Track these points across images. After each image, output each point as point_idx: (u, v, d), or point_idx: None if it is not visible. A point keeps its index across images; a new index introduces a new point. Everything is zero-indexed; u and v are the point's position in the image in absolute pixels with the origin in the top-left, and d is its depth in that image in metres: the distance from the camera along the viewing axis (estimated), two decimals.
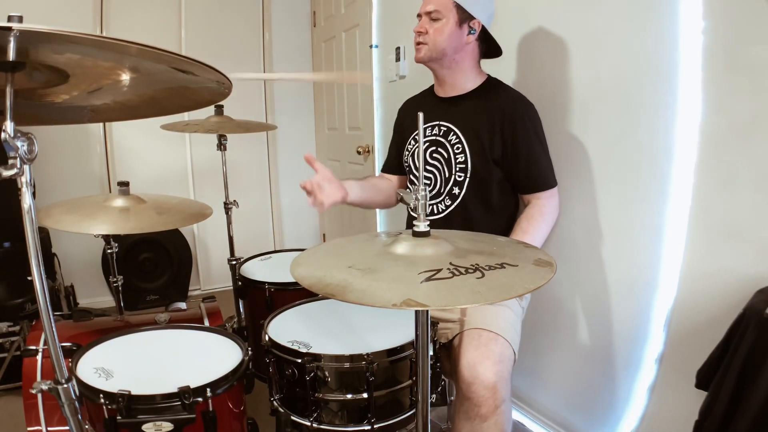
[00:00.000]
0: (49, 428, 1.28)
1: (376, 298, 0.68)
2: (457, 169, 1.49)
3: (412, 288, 0.69)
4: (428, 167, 1.55)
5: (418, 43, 1.49)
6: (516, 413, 1.86)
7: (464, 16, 1.44)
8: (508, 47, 1.54)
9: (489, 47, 1.54)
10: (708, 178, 1.23)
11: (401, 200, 0.90)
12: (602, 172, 1.50)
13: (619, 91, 1.42)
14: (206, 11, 3.20)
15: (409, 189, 1.61)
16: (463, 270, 0.74)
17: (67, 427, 0.86)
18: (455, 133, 1.50)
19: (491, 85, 1.54)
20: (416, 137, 1.57)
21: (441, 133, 1.53)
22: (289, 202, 3.68)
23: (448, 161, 1.50)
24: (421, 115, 0.88)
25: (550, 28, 1.61)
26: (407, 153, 1.62)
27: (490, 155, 1.45)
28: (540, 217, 1.48)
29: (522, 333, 1.40)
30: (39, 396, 1.28)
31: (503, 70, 1.61)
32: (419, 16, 1.49)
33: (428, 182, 1.55)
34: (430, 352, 1.06)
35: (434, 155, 1.54)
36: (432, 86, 1.65)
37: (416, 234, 0.85)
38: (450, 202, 1.50)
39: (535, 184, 1.49)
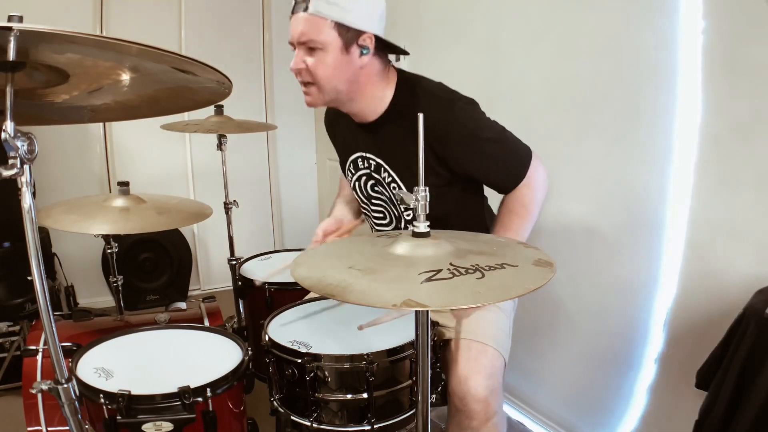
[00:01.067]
0: (49, 428, 1.28)
1: (376, 298, 0.68)
2: (403, 208, 1.32)
3: (412, 288, 0.69)
4: (375, 201, 1.39)
5: (301, 84, 1.21)
6: (516, 413, 1.86)
7: (350, 37, 1.13)
8: (510, 46, 1.54)
9: (391, 47, 1.23)
10: (708, 178, 1.23)
11: (401, 201, 0.90)
12: (602, 172, 1.50)
13: (619, 91, 1.42)
14: (206, 11, 3.20)
15: (383, 211, 1.47)
16: (463, 270, 0.74)
17: (67, 427, 0.86)
18: (386, 170, 1.29)
19: (405, 92, 1.24)
20: (350, 169, 1.40)
21: (372, 168, 1.32)
22: (289, 202, 3.67)
23: (390, 200, 1.33)
24: (421, 116, 0.86)
25: (551, 28, 1.61)
26: (350, 182, 1.43)
27: (434, 183, 1.17)
28: (522, 208, 1.24)
29: (522, 333, 1.39)
30: (39, 396, 1.28)
31: (504, 69, 1.61)
32: (291, 45, 1.19)
33: (381, 215, 1.41)
34: (430, 352, 1.06)
35: (377, 188, 1.36)
36: None
37: (416, 234, 0.85)
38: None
39: (504, 185, 1.25)
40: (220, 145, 2.06)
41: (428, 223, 0.86)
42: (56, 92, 0.88)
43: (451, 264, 0.76)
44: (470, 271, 0.74)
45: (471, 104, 1.22)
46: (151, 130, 2.02)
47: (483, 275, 0.73)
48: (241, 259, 2.04)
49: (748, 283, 1.09)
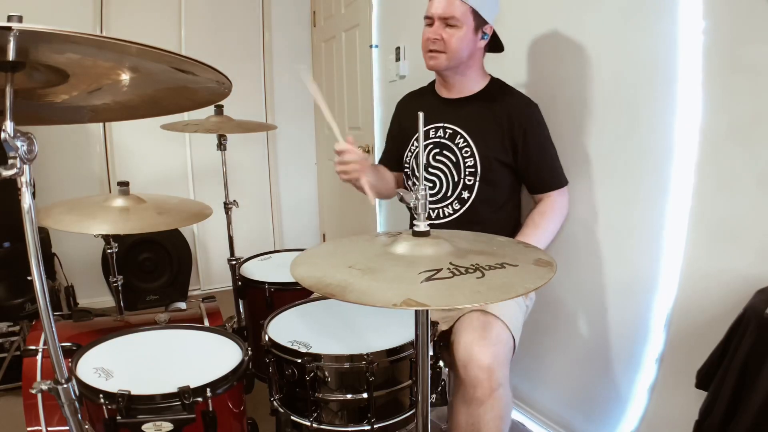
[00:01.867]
0: (49, 428, 1.28)
1: (376, 298, 0.68)
2: (467, 172, 1.47)
3: (412, 288, 0.69)
4: (432, 170, 1.54)
5: (432, 51, 1.43)
6: (516, 413, 1.86)
7: (479, 22, 1.41)
8: (510, 47, 1.54)
9: (492, 44, 1.52)
10: (708, 178, 1.23)
11: (401, 200, 0.90)
12: (602, 172, 1.50)
13: (619, 91, 1.42)
14: (206, 11, 3.20)
15: (408, 188, 1.60)
16: (463, 270, 0.74)
17: (67, 427, 0.86)
18: (462, 136, 1.48)
19: (496, 87, 1.53)
20: (418, 138, 1.54)
21: (447, 136, 1.51)
22: (289, 202, 3.68)
23: (456, 165, 1.49)
24: (421, 115, 0.88)
25: (551, 28, 1.61)
26: (410, 154, 1.60)
27: (500, 158, 1.45)
28: (551, 213, 1.50)
29: (523, 332, 1.40)
30: (39, 396, 1.28)
31: (505, 69, 1.60)
32: (429, 19, 1.43)
33: (431, 185, 1.53)
34: (430, 352, 1.06)
35: (439, 158, 1.52)
36: (432, 84, 1.63)
37: (416, 234, 0.85)
38: (459, 206, 1.49)
39: (547, 184, 1.50)
40: (220, 145, 2.07)
41: (428, 223, 0.86)
42: (56, 92, 0.88)
43: (451, 263, 0.76)
44: (470, 270, 0.74)
45: (542, 114, 1.50)
46: (151, 130, 2.02)
47: (483, 275, 0.73)
48: (241, 259, 2.04)
49: (748, 283, 1.09)
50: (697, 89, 1.22)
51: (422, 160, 0.90)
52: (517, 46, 1.72)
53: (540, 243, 1.46)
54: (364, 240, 0.94)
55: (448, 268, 0.74)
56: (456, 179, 1.49)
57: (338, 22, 3.13)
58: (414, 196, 0.86)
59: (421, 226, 0.85)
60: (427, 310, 0.86)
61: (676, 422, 1.31)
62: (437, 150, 1.52)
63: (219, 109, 2.03)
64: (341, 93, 3.17)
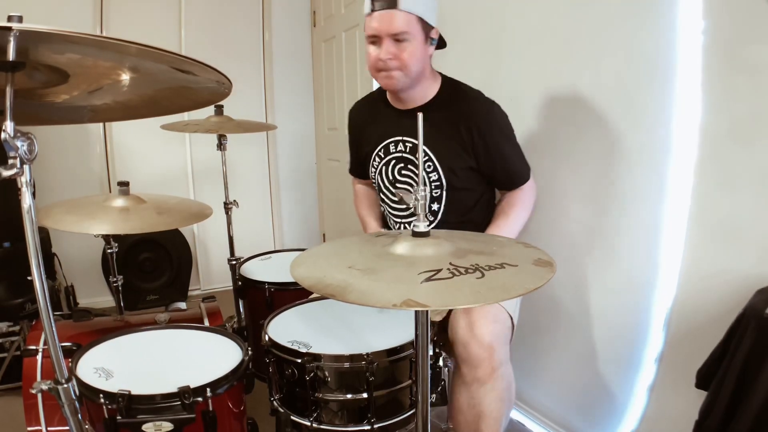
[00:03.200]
0: (49, 428, 1.28)
1: (376, 298, 0.68)
2: (433, 186, 1.44)
3: (412, 288, 0.69)
4: (399, 185, 1.50)
5: (384, 70, 1.36)
6: (516, 413, 1.86)
7: (427, 29, 1.35)
8: (509, 47, 1.54)
9: (442, 41, 1.46)
10: (708, 177, 1.23)
11: (400, 201, 0.90)
12: (602, 172, 1.50)
13: (619, 90, 1.42)
14: (206, 11, 3.20)
15: (382, 200, 1.58)
16: (462, 270, 0.74)
17: (67, 427, 0.86)
18: (423, 150, 1.41)
19: (449, 88, 1.46)
20: (379, 154, 1.53)
21: (408, 150, 1.47)
22: (289, 201, 3.67)
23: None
24: (420, 115, 0.87)
25: (550, 28, 1.61)
26: (373, 170, 1.56)
27: (463, 166, 1.42)
28: (520, 204, 1.48)
29: (522, 333, 1.40)
30: (39, 396, 1.28)
31: (505, 69, 1.61)
32: (374, 37, 1.35)
33: (400, 200, 1.50)
34: (430, 352, 1.06)
35: (405, 172, 1.49)
36: (382, 93, 1.57)
37: (416, 234, 0.85)
38: (432, 218, 1.47)
39: (515, 182, 1.48)
40: (220, 145, 2.07)
41: (427, 223, 0.86)
42: (56, 92, 0.88)
43: (450, 264, 0.76)
44: (470, 270, 0.74)
45: (502, 109, 1.43)
46: (151, 130, 2.02)
47: (483, 275, 0.73)
48: (241, 259, 2.04)
49: (748, 283, 1.09)
50: (697, 89, 1.22)
51: (421, 162, 0.89)
52: (517, 46, 1.72)
53: (512, 233, 1.45)
54: (364, 240, 0.95)
55: (448, 269, 0.74)
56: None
57: (338, 22, 3.12)
58: (413, 196, 0.86)
59: (421, 226, 0.85)
60: (427, 311, 0.86)
61: (676, 422, 1.31)
62: (401, 165, 1.49)
63: (219, 109, 2.03)
64: (341, 93, 3.17)
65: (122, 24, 2.94)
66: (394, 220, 1.54)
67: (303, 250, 1.06)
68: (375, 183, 1.58)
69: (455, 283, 0.70)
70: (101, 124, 2.98)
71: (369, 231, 1.68)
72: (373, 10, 1.33)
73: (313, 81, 3.59)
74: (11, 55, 0.66)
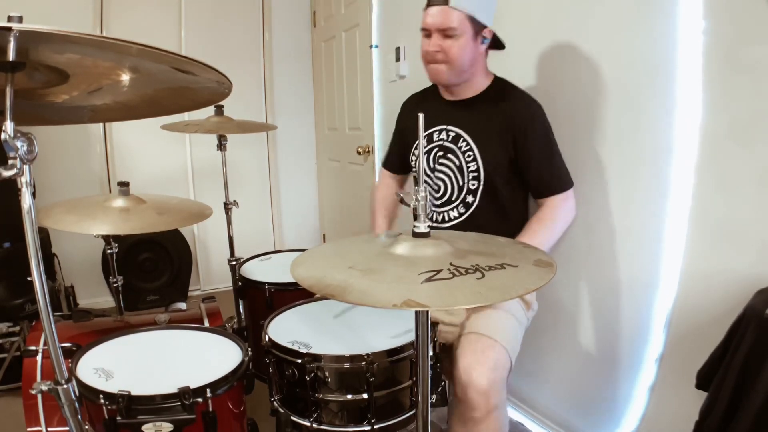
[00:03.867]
0: (49, 428, 1.28)
1: (377, 298, 0.68)
2: (470, 177, 1.46)
3: (412, 288, 0.69)
4: (437, 173, 1.53)
5: (432, 62, 1.41)
6: (516, 413, 1.86)
7: (478, 28, 1.38)
8: (510, 47, 1.54)
9: (492, 43, 1.49)
10: (708, 178, 1.23)
11: (401, 201, 0.90)
12: (602, 172, 1.50)
13: (619, 91, 1.42)
14: (206, 11, 3.20)
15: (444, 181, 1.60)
16: (463, 270, 0.74)
17: (67, 428, 0.86)
18: (465, 140, 1.47)
19: (499, 87, 1.50)
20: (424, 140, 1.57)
21: (450, 139, 1.49)
22: (289, 202, 3.67)
23: (460, 168, 1.48)
24: (421, 116, 0.88)
25: (552, 28, 1.62)
26: (414, 157, 1.60)
27: (502, 161, 1.43)
28: (550, 221, 1.45)
29: (522, 333, 1.40)
30: (39, 396, 1.28)
31: (506, 70, 1.60)
32: (426, 30, 1.40)
33: (436, 188, 1.53)
34: (430, 353, 1.06)
35: (443, 161, 1.51)
36: (435, 86, 1.62)
37: (416, 235, 0.84)
38: (464, 210, 1.49)
39: (548, 187, 1.45)
40: (220, 145, 2.07)
41: (428, 224, 0.86)
42: (56, 92, 0.88)
43: (451, 264, 0.76)
44: (470, 271, 0.74)
45: (544, 113, 1.46)
46: (151, 130, 2.02)
47: (483, 275, 0.73)
48: (241, 260, 2.04)
49: (748, 283, 1.09)
50: (697, 89, 1.22)
51: (422, 161, 0.90)
52: (518, 46, 1.72)
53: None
54: (364, 240, 0.94)
55: (448, 269, 0.74)
56: (461, 183, 1.48)
57: (338, 22, 3.12)
58: (414, 197, 0.86)
59: (421, 227, 0.85)
60: (427, 311, 0.86)
61: (676, 422, 1.31)
62: (441, 153, 1.51)
63: (219, 109, 2.03)
64: (341, 93, 3.17)
65: (122, 24, 2.94)
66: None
67: (303, 250, 1.06)
68: (415, 171, 1.58)
69: (455, 284, 0.70)
70: (101, 124, 2.98)
71: (375, 228, 1.70)
72: (428, 5, 1.39)
73: (313, 81, 3.60)
74: (11, 55, 0.66)
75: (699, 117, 1.23)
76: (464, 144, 1.47)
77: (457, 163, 1.48)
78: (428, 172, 1.55)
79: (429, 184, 1.55)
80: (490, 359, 1.20)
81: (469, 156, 1.46)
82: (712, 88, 1.20)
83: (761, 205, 1.12)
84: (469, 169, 1.46)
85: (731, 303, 1.13)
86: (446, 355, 1.35)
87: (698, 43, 1.21)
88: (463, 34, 1.36)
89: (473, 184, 1.46)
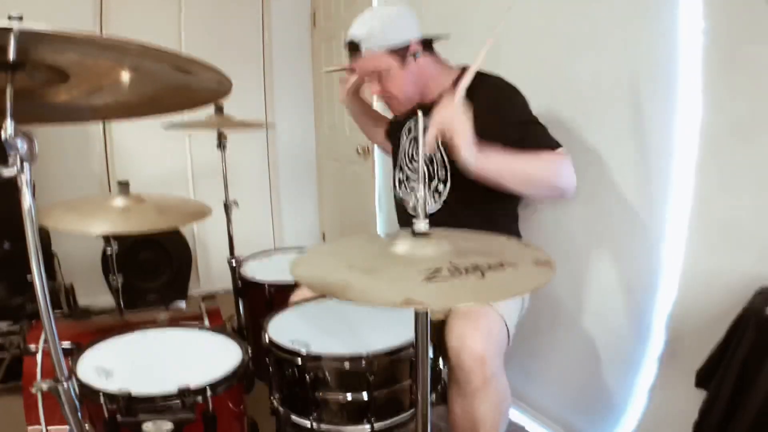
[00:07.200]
0: (49, 427, 1.28)
1: (376, 297, 0.68)
2: (438, 166, 1.43)
3: (412, 288, 0.69)
4: (416, 163, 1.49)
5: (383, 101, 1.44)
6: (516, 413, 1.86)
7: (402, 52, 1.34)
8: (510, 47, 1.54)
9: (428, 44, 1.43)
10: (708, 178, 1.23)
11: (401, 200, 0.90)
12: (602, 172, 1.50)
13: (619, 90, 1.42)
14: (206, 11, 3.20)
15: (401, 182, 1.59)
16: (462, 270, 0.74)
17: (67, 427, 0.86)
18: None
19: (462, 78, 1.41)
20: (405, 133, 1.57)
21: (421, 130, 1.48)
22: (289, 201, 3.67)
23: (430, 159, 1.44)
24: (420, 115, 0.88)
25: (551, 28, 1.61)
26: (400, 152, 1.58)
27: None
28: (532, 155, 1.24)
29: (522, 333, 1.39)
30: (39, 395, 1.28)
31: (504, 69, 1.60)
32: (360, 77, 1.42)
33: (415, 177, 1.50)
34: (430, 353, 1.06)
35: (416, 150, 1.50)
36: None
37: (416, 234, 0.85)
38: (437, 197, 1.43)
39: (529, 145, 1.25)
40: (220, 145, 2.07)
41: (427, 222, 0.86)
42: (56, 92, 0.88)
43: (451, 263, 0.76)
44: (470, 270, 0.74)
45: (524, 98, 1.37)
46: (151, 129, 2.02)
47: (483, 275, 0.73)
48: (241, 259, 2.04)
49: (748, 283, 1.09)
50: (698, 89, 1.22)
51: (421, 160, 0.90)
52: (517, 46, 1.72)
53: (504, 162, 1.21)
54: (364, 240, 0.95)
55: (448, 268, 0.74)
56: (430, 171, 1.46)
57: (338, 22, 3.12)
58: (414, 195, 0.86)
59: (421, 226, 0.85)
60: (427, 311, 0.86)
61: (676, 422, 1.31)
62: (415, 145, 1.50)
63: (219, 109, 2.03)
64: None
65: (122, 24, 2.93)
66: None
67: (303, 249, 1.06)
68: (399, 164, 1.57)
69: (455, 283, 0.70)
70: (101, 124, 2.98)
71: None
72: (350, 58, 1.40)
73: (313, 81, 3.59)
74: (11, 55, 0.66)
75: (699, 117, 1.23)
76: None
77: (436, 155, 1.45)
78: (409, 163, 1.55)
79: (411, 170, 1.56)
80: (484, 326, 1.18)
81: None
82: (713, 87, 1.20)
83: (762, 205, 1.12)
84: (436, 158, 1.43)
85: (731, 303, 1.13)
86: (439, 332, 1.34)
87: (699, 43, 1.21)
88: (391, 68, 1.35)
89: (441, 173, 1.43)
